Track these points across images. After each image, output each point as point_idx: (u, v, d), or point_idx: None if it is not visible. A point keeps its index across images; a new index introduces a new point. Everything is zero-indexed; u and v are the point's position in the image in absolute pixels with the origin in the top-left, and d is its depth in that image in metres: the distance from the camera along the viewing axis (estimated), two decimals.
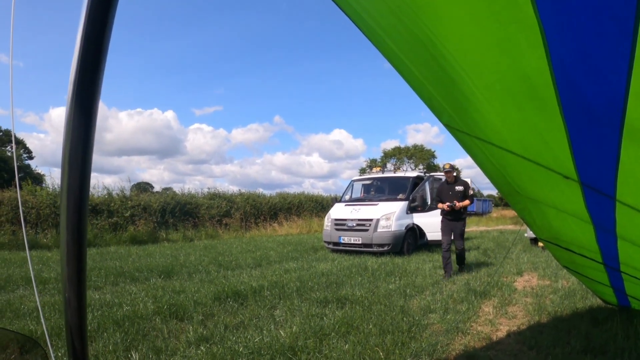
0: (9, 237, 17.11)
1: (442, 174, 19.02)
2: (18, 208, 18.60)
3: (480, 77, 1.64)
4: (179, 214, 24.33)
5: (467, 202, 10.62)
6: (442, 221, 10.97)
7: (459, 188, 10.66)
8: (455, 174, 11.05)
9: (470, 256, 13.95)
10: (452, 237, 10.77)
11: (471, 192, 10.83)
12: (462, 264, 11.26)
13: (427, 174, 17.20)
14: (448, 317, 6.45)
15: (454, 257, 11.36)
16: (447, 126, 2.48)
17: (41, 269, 10.55)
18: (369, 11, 1.64)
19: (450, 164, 10.95)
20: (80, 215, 0.80)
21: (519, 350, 5.19)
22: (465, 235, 11.48)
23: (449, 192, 10.69)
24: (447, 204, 10.46)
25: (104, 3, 0.77)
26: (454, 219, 10.69)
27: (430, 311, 6.75)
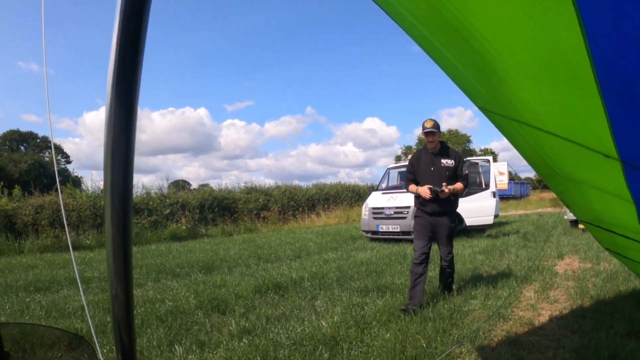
0: (52, 239, 17.41)
1: (479, 158, 18.82)
2: (59, 211, 18.95)
3: (515, 57, 1.61)
4: (217, 209, 24.51)
5: (459, 185, 6.73)
6: (415, 216, 7.05)
7: (448, 162, 6.78)
8: (440, 138, 7.01)
9: (510, 240, 13.83)
10: (431, 242, 6.83)
11: (466, 170, 7.00)
12: (450, 285, 7.15)
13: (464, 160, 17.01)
14: (489, 303, 6.40)
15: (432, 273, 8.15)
16: (483, 109, 2.45)
17: (84, 269, 10.72)
18: None
19: (434, 120, 6.73)
20: (125, 212, 0.81)
21: (562, 334, 5.13)
22: (504, 219, 11.09)
23: (430, 168, 6.76)
24: (427, 187, 6.53)
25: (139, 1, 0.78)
26: (436, 211, 6.68)
27: (471, 297, 6.70)
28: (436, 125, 6.69)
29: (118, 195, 0.80)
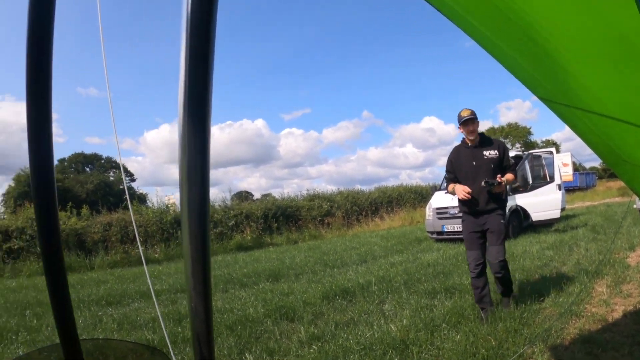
0: (121, 255, 17.95)
1: (542, 150, 18.46)
2: (127, 228, 19.52)
3: (574, 44, 1.59)
4: (281, 218, 24.68)
5: (510, 176, 6.05)
6: (462, 220, 6.34)
7: (491, 153, 6.06)
8: (478, 128, 6.22)
9: (579, 234, 13.49)
10: (485, 249, 6.13)
11: (512, 160, 6.30)
12: (508, 291, 6.29)
13: (525, 152, 16.76)
14: (560, 300, 6.27)
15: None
16: (544, 100, 2.42)
17: (153, 282, 10.93)
18: None
19: (471, 110, 6.08)
20: (203, 229, 0.82)
21: (637, 330, 4.98)
22: (571, 212, 10.75)
23: (472, 163, 6.07)
24: (465, 190, 5.87)
25: (207, 15, 0.79)
26: (484, 209, 5.98)
27: (542, 295, 6.57)
28: (473, 113, 6.05)
29: (195, 213, 0.82)
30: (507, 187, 6.43)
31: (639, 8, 1.20)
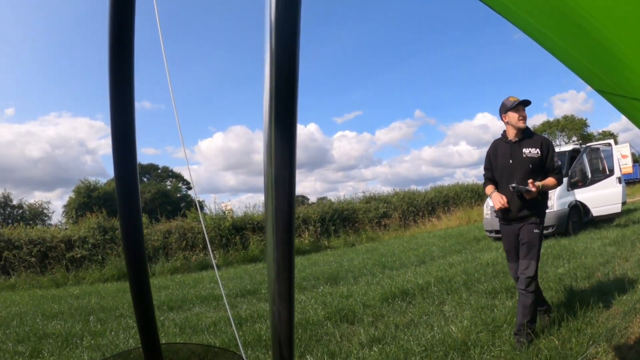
0: (181, 261, 18.31)
1: (599, 143, 18.07)
2: (186, 235, 20.00)
3: (628, 33, 1.61)
4: (338, 221, 24.75)
5: (551, 180, 5.23)
6: (501, 227, 5.62)
7: (532, 152, 5.27)
8: (525, 120, 5.37)
9: None
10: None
11: (558, 161, 5.37)
12: (532, 320, 5.06)
13: (582, 146, 16.46)
14: (624, 298, 6.17)
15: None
16: (601, 92, 2.42)
17: (213, 287, 11.11)
18: None
19: (518, 99, 5.30)
20: (290, 237, 0.86)
21: None
22: (632, 205, 10.32)
23: (509, 161, 5.34)
24: (501, 201, 5.20)
25: (291, 15, 0.80)
26: (517, 216, 5.27)
27: (605, 293, 6.47)
28: (523, 103, 5.34)
29: (283, 222, 0.85)
30: (549, 191, 5.45)
31: None
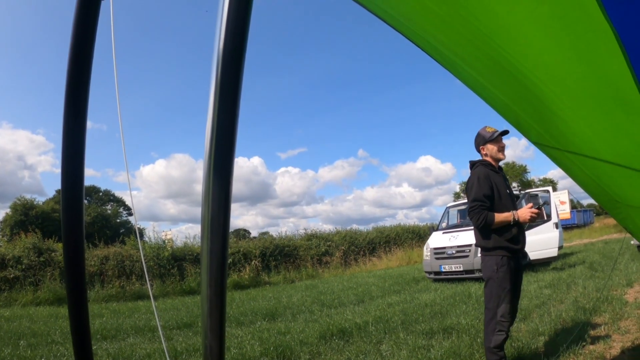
0: (117, 289, 17.90)
1: (538, 190, 18.54)
2: (123, 262, 19.59)
3: (564, 89, 1.64)
4: (279, 257, 24.70)
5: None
6: (500, 266, 4.71)
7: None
8: (504, 151, 5.18)
9: (577, 272, 13.61)
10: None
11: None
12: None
13: (521, 191, 16.84)
14: (558, 338, 6.25)
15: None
16: (537, 144, 2.47)
17: (149, 318, 10.91)
18: (445, 44, 1.68)
19: (496, 130, 5.09)
20: (222, 276, 0.88)
21: None
22: (569, 249, 10.65)
23: (507, 191, 5.04)
24: (533, 211, 4.78)
25: (238, 47, 0.84)
26: (520, 253, 4.95)
27: (539, 334, 6.56)
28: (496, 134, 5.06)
29: (217, 262, 0.86)
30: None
31: (626, 58, 1.23)
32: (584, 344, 6.00)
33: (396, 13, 1.57)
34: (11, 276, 17.45)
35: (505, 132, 5.06)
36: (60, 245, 19.42)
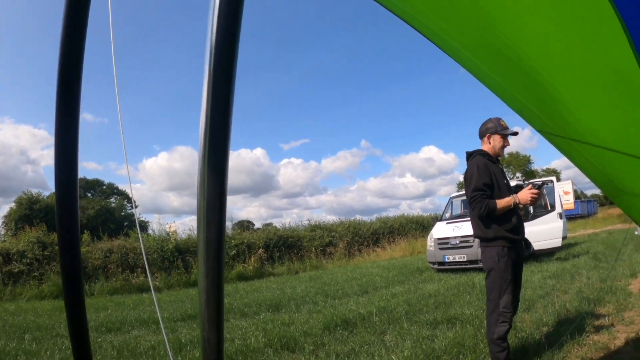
0: (121, 282, 17.91)
1: (542, 179, 18.37)
2: (127, 255, 19.56)
3: (570, 78, 1.63)
4: (283, 248, 24.72)
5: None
6: (500, 257, 4.70)
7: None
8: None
9: (581, 262, 13.61)
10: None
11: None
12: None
13: (525, 182, 16.80)
14: (562, 328, 6.24)
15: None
16: (542, 132, 2.46)
17: (153, 310, 10.87)
18: (448, 31, 1.67)
19: (509, 128, 5.13)
20: (219, 266, 0.87)
21: (639, 358, 4.96)
22: (573, 240, 10.59)
23: (504, 181, 5.08)
24: (533, 192, 4.86)
25: (229, 60, 0.84)
26: (521, 243, 5.03)
27: (543, 324, 6.55)
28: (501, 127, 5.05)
29: (212, 251, 0.85)
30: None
31: (631, 45, 1.22)
32: (588, 334, 5.99)
33: (399, 1, 1.56)
34: (16, 270, 17.45)
35: (516, 133, 5.05)
36: None
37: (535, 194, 4.78)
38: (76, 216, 1.22)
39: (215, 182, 0.85)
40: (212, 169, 0.85)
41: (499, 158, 5.16)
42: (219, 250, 0.87)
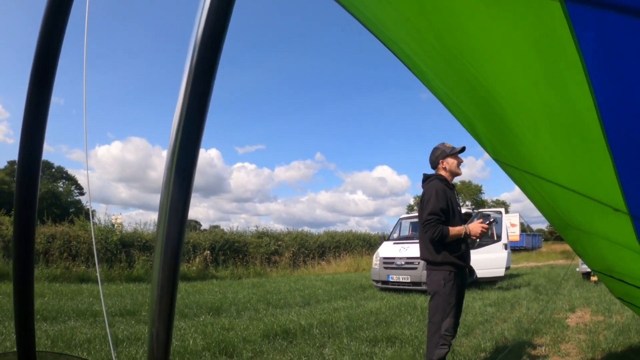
0: (62, 270, 17.48)
1: (491, 210, 18.82)
2: (70, 242, 19.17)
3: (528, 113, 1.67)
4: (228, 252, 24.59)
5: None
6: (446, 282, 4.71)
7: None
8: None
9: (521, 293, 13.86)
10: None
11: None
12: None
13: (474, 210, 17.08)
14: (499, 356, 6.33)
15: None
16: (497, 160, 2.51)
17: (92, 302, 10.71)
18: (417, 52, 1.69)
19: (454, 147, 5.16)
20: (176, 263, 0.86)
21: None
22: (516, 271, 10.78)
23: (458, 207, 5.10)
24: (484, 226, 4.86)
25: (210, 65, 0.84)
26: (466, 270, 5.14)
27: (481, 350, 6.63)
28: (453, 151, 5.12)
29: (171, 248, 0.85)
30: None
31: (590, 90, 1.26)
32: None
33: (373, 17, 1.58)
34: None
35: (464, 149, 5.10)
36: (7, 218, 18.93)
37: (485, 228, 4.83)
38: (35, 200, 1.21)
39: (183, 179, 0.85)
40: (180, 167, 0.85)
41: (456, 182, 5.14)
42: (177, 248, 0.86)
